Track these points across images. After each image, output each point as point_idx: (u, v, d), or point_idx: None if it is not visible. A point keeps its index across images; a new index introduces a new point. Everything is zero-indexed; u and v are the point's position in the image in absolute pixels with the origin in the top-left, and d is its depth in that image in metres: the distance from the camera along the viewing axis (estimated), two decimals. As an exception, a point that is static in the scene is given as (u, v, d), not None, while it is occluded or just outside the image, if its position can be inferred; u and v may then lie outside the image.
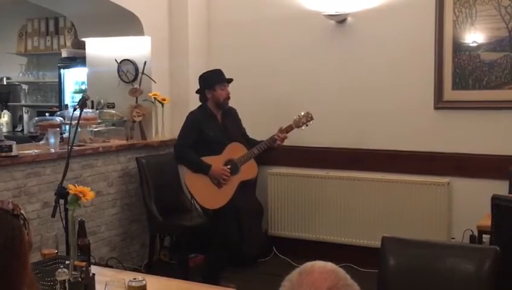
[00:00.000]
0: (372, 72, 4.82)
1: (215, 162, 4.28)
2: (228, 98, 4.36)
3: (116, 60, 5.15)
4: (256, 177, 4.61)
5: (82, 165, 4.47)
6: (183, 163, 4.41)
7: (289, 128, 4.38)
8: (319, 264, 1.22)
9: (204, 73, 4.51)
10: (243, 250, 4.82)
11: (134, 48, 5.15)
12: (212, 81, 4.35)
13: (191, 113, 4.46)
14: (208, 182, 4.26)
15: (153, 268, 4.69)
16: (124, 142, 4.93)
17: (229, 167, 4.29)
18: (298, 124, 4.39)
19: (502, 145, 4.40)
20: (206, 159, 4.26)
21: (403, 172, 4.70)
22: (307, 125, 4.40)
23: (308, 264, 1.23)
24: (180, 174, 4.71)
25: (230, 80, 4.41)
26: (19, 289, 1.41)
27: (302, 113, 4.41)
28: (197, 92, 4.48)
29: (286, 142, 5.10)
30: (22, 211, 1.48)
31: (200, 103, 4.46)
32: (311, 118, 4.41)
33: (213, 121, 4.36)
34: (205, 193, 4.28)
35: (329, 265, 1.22)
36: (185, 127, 4.39)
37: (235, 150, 4.34)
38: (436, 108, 4.61)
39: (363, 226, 4.79)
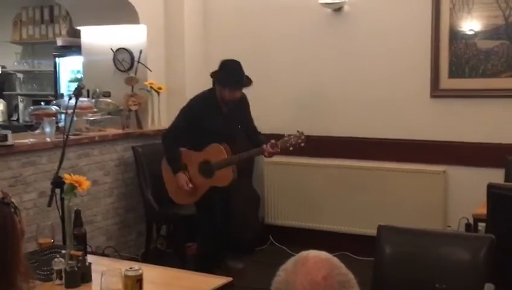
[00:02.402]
0: (368, 61, 4.81)
1: (192, 159, 4.18)
2: (236, 99, 4.12)
3: (111, 49, 5.12)
4: (229, 185, 4.21)
5: (78, 154, 4.46)
6: (164, 151, 4.30)
7: (274, 146, 4.01)
8: (313, 253, 1.22)
9: (226, 64, 4.15)
10: (238, 238, 4.84)
11: (129, 36, 5.13)
12: (226, 83, 4.09)
13: (194, 99, 4.22)
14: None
15: (149, 257, 4.70)
16: (120, 131, 4.92)
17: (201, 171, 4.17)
18: (285, 144, 4.01)
19: (498, 133, 4.41)
20: (187, 153, 4.19)
21: (399, 160, 4.70)
22: (297, 148, 4.02)
23: (303, 253, 1.23)
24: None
25: (247, 84, 4.16)
26: (14, 278, 1.41)
27: (295, 133, 4.03)
28: (211, 75, 4.23)
29: (283, 131, 5.09)
30: (13, 199, 1.48)
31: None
32: (303, 141, 4.01)
33: (216, 112, 4.15)
34: (175, 187, 4.23)
35: (324, 254, 1.22)
36: (182, 114, 4.20)
37: (216, 152, 4.14)
38: (432, 96, 4.61)
39: (359, 215, 4.80)
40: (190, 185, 4.18)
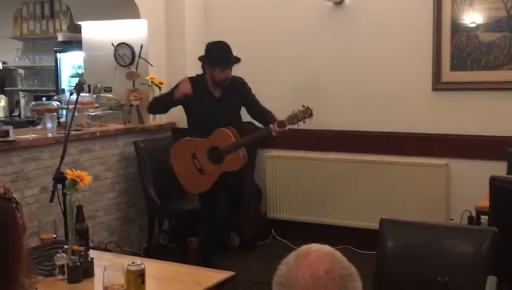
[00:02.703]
0: (369, 54, 4.79)
1: (200, 147, 4.12)
2: (226, 79, 4.07)
3: (112, 44, 5.12)
4: (240, 169, 4.16)
5: (80, 149, 4.46)
6: (153, 109, 4.41)
7: (282, 125, 3.99)
8: (315, 247, 1.22)
9: (210, 45, 4.14)
10: (240, 233, 4.85)
11: (130, 31, 5.12)
12: (214, 62, 4.05)
13: (186, 77, 4.20)
14: (191, 167, 4.14)
15: (152, 252, 4.70)
16: (122, 126, 4.92)
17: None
18: (292, 120, 4.00)
19: (500, 126, 4.39)
20: (193, 141, 4.14)
21: (401, 154, 4.70)
22: (304, 122, 4.02)
23: (305, 247, 1.23)
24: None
25: (235, 62, 4.12)
26: (16, 273, 1.41)
27: (300, 108, 4.02)
28: (199, 58, 4.19)
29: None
30: (14, 195, 1.47)
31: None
32: (310, 115, 4.01)
33: (206, 95, 4.09)
34: (187, 177, 4.19)
35: (326, 248, 1.22)
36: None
37: (223, 137, 4.07)
38: (434, 89, 4.60)
39: (361, 209, 4.80)
40: (188, 85, 4.08)
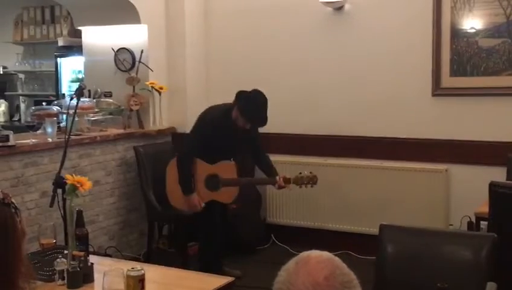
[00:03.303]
0: (369, 60, 4.80)
1: (201, 170, 4.16)
2: (245, 128, 4.06)
3: (112, 49, 5.12)
4: (230, 203, 4.32)
5: (80, 154, 4.46)
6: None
7: (287, 182, 4.12)
8: (315, 253, 1.22)
9: (256, 97, 4.05)
10: (240, 238, 4.84)
11: (130, 36, 5.12)
12: (250, 119, 4.01)
13: (211, 119, 4.11)
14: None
15: (151, 257, 4.70)
16: (122, 131, 4.92)
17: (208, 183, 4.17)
18: (298, 181, 4.14)
19: (500, 131, 4.40)
20: (196, 163, 4.16)
21: (401, 159, 4.70)
22: (306, 187, 4.16)
23: (305, 253, 1.23)
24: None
25: (261, 124, 4.09)
26: (15, 278, 1.41)
27: (307, 174, 4.16)
28: (237, 96, 4.07)
29: (285, 130, 5.10)
30: (13, 200, 1.48)
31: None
32: (315, 183, 4.16)
33: (229, 133, 4.08)
34: (176, 190, 4.21)
35: (326, 254, 1.22)
36: (198, 133, 4.14)
37: (227, 169, 4.16)
38: (434, 95, 4.60)
39: (361, 214, 4.80)
40: (203, 205, 4.14)
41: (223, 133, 4.08)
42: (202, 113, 4.24)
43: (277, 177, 4.14)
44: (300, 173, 4.18)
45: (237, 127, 4.06)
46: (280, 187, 4.17)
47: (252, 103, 4.03)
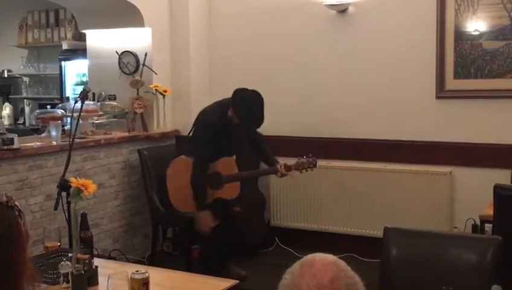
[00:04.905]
0: (373, 62, 4.80)
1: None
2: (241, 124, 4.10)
3: (116, 52, 5.14)
4: (234, 199, 4.33)
5: (84, 157, 4.47)
6: (193, 186, 4.13)
7: (289, 169, 4.14)
8: (320, 256, 1.22)
9: (251, 98, 4.04)
10: (244, 241, 4.84)
11: (134, 39, 5.14)
12: (240, 117, 4.01)
13: (209, 121, 4.13)
14: (186, 184, 4.15)
15: (156, 259, 4.70)
16: (126, 134, 4.93)
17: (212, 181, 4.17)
18: (299, 167, 4.16)
19: (504, 134, 4.39)
20: None
21: (405, 162, 4.69)
22: (306, 171, 4.18)
23: (309, 256, 1.23)
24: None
25: (255, 125, 4.13)
26: (20, 281, 1.41)
27: (307, 158, 4.18)
28: (233, 95, 4.08)
29: (288, 133, 5.10)
30: (16, 203, 1.48)
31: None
32: (314, 166, 4.18)
33: (229, 131, 4.12)
34: (178, 192, 4.22)
35: (330, 257, 1.22)
36: (203, 143, 4.12)
37: (228, 166, 4.19)
38: (438, 97, 4.60)
39: (365, 217, 4.79)
40: (215, 223, 4.12)
41: (225, 134, 4.11)
42: (200, 120, 4.22)
43: (278, 166, 4.14)
44: (299, 158, 4.18)
45: (235, 125, 4.09)
46: (282, 175, 4.16)
47: (247, 105, 4.03)
